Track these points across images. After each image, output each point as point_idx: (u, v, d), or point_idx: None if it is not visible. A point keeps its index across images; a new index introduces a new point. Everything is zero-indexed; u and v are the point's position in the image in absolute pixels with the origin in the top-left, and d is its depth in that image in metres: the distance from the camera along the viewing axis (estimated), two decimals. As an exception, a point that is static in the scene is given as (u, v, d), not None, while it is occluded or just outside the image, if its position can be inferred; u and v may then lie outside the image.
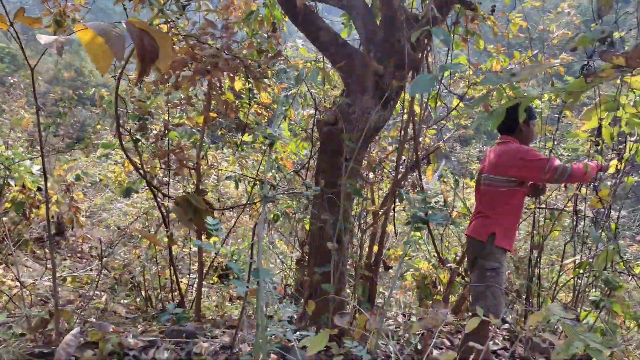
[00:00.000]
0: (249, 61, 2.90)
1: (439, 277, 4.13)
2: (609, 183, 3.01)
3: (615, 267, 3.00)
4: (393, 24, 2.92)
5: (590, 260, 2.95)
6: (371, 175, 3.97)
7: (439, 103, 3.70)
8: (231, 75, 3.01)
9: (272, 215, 4.14)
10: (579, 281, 3.36)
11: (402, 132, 3.44)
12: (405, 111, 3.46)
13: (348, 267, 3.62)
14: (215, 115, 3.08)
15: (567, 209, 3.68)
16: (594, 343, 1.53)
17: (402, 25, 2.82)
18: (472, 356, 2.83)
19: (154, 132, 3.37)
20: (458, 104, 3.91)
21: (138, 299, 4.25)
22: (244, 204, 3.67)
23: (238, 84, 3.51)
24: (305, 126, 4.18)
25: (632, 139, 2.69)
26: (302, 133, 4.24)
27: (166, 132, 3.18)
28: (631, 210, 5.18)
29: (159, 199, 3.41)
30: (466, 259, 3.46)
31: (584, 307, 3.41)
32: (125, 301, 4.29)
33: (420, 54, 3.11)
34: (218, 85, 2.95)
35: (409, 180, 3.87)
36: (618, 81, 2.14)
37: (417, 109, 3.67)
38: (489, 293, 2.73)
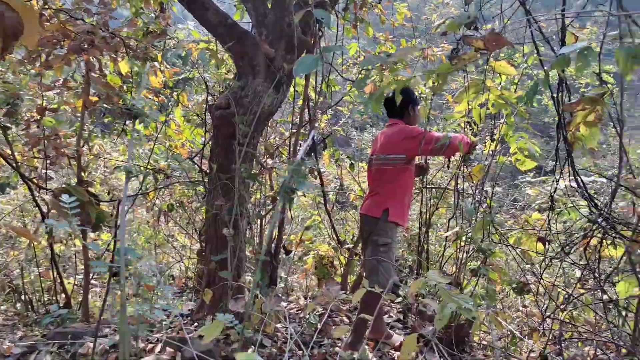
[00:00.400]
0: (132, 40, 2.72)
1: (339, 258, 4.26)
2: (486, 162, 3.29)
3: (491, 238, 3.29)
4: (283, 7, 2.91)
5: (468, 231, 3.21)
6: (270, 160, 3.96)
7: (334, 88, 3.78)
8: (113, 55, 2.81)
9: (166, 205, 3.96)
10: (462, 254, 3.65)
11: (298, 116, 3.47)
12: (301, 96, 3.49)
13: (248, 253, 3.59)
14: (96, 99, 2.85)
15: (450, 187, 3.97)
16: (466, 303, 1.68)
17: (292, 9, 2.82)
18: (367, 330, 2.97)
19: (26, 118, 3.04)
20: (351, 89, 4.03)
21: (18, 304, 3.86)
22: (135, 194, 3.46)
23: (124, 67, 3.28)
24: (199, 111, 4.04)
25: (502, 120, 2.95)
26: (196, 119, 4.09)
27: (40, 117, 2.88)
28: (506, 187, 5.75)
29: (35, 193, 3.11)
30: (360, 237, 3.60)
31: (467, 277, 3.72)
32: (3, 307, 3.88)
33: (312, 38, 3.15)
34: (97, 66, 2.73)
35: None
36: (486, 66, 2.35)
37: (312, 94, 3.72)
38: (382, 267, 2.88)
